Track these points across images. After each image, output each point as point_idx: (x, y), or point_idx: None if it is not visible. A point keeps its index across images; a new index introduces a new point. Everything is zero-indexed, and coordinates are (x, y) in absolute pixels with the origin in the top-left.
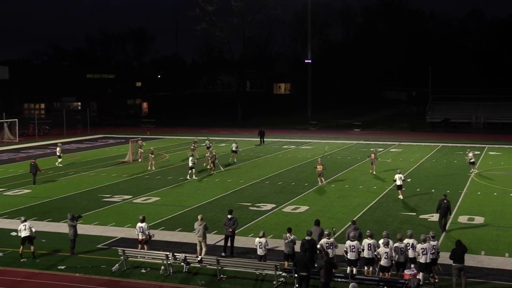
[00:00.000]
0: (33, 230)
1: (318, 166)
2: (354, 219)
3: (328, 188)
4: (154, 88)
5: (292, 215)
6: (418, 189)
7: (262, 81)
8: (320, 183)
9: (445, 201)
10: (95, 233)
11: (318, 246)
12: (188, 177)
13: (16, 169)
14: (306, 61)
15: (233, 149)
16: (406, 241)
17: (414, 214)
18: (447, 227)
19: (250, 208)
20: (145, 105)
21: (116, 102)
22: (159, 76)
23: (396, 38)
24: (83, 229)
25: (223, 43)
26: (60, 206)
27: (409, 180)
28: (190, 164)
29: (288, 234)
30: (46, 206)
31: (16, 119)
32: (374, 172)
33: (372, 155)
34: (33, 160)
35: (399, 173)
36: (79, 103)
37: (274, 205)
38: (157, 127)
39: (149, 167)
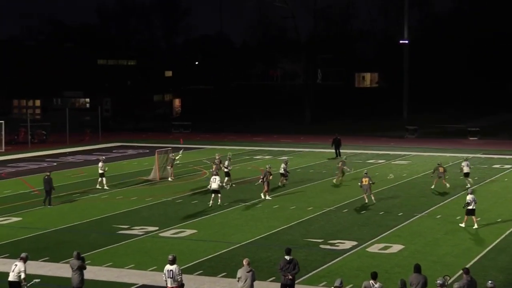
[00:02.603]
0: (22, 276)
1: (364, 180)
2: (467, 265)
3: (431, 220)
4: (189, 80)
5: (380, 256)
6: None
7: (340, 70)
8: (367, 200)
9: None
10: (108, 278)
11: None
12: (214, 202)
13: (1, 189)
14: (401, 41)
15: (281, 171)
16: None
17: None
18: None
19: (322, 246)
20: (177, 102)
21: (138, 99)
22: (196, 63)
23: None
24: (91, 272)
25: (285, 18)
26: (60, 241)
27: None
28: (215, 187)
29: (372, 281)
30: (42, 240)
31: (2, 121)
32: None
33: (441, 169)
34: (48, 173)
35: (471, 193)
36: (88, 100)
37: (355, 243)
38: (194, 132)
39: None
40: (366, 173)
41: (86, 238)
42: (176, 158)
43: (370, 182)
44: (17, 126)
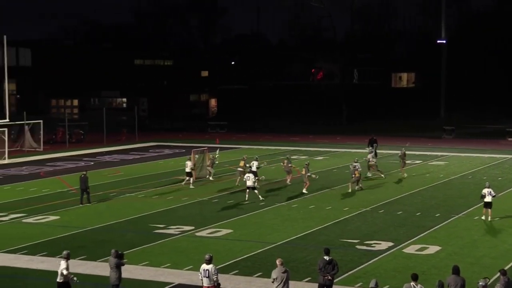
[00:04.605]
0: (64, 272)
1: (356, 172)
2: (505, 267)
3: (469, 222)
4: (226, 79)
5: (416, 258)
6: None
7: (377, 69)
8: (350, 190)
9: None
10: (144, 277)
11: None
12: (249, 196)
13: (39, 188)
14: (438, 41)
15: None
16: None
17: None
18: None
19: (358, 247)
20: (213, 102)
21: (174, 98)
22: (233, 63)
23: None
24: (128, 271)
25: (322, 17)
26: (97, 239)
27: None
28: (250, 184)
29: (413, 283)
30: (79, 239)
31: (41, 121)
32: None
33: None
34: (84, 172)
35: (489, 187)
36: (124, 100)
37: (391, 244)
38: (230, 132)
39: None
40: (355, 166)
41: (122, 237)
42: (216, 157)
43: (362, 170)
44: (55, 126)
